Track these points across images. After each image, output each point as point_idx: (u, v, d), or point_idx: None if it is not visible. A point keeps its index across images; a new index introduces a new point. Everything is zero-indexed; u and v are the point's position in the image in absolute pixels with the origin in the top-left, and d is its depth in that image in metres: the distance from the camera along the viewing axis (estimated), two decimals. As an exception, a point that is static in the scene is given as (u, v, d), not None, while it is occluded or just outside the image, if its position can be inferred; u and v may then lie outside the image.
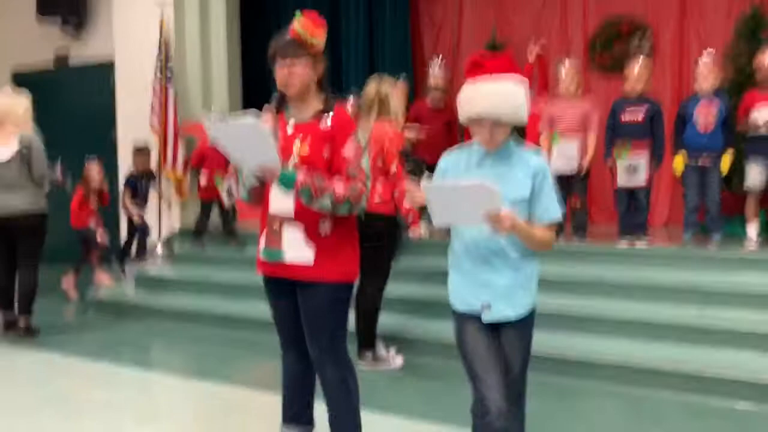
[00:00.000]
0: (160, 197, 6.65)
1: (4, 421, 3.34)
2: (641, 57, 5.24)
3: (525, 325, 2.23)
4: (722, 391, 3.46)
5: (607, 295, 4.40)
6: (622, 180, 5.03)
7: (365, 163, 2.46)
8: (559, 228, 4.81)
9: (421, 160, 5.27)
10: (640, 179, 4.97)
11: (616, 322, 4.12)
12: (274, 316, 2.65)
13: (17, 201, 4.75)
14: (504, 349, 2.20)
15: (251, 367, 4.30)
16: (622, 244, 4.96)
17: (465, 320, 2.22)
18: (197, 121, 6.76)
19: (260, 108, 2.57)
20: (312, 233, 2.43)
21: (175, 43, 6.82)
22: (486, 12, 7.47)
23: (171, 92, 6.68)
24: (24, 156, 4.74)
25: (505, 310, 2.17)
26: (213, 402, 3.59)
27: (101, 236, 6.28)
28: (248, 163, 2.35)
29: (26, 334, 4.86)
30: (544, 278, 2.27)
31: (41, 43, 8.07)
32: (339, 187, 2.36)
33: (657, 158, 5.01)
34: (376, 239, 3.85)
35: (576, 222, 5.21)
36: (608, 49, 6.89)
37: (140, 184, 6.53)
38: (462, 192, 1.98)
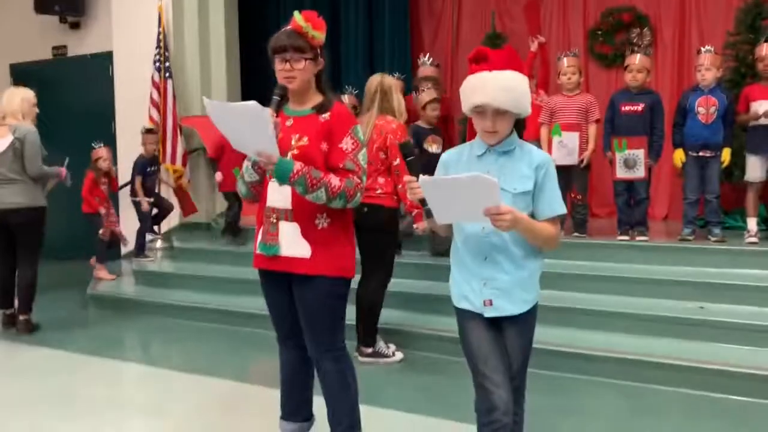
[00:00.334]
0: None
1: (4, 417, 3.34)
2: (642, 48, 5.22)
3: (527, 321, 2.20)
4: (722, 384, 3.46)
5: (607, 289, 4.40)
6: (621, 171, 5.02)
7: (362, 157, 2.45)
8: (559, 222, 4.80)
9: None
10: (639, 171, 4.96)
11: (615, 315, 4.11)
12: (270, 310, 2.65)
13: (12, 195, 4.66)
14: (505, 345, 2.18)
15: (251, 361, 4.30)
16: (622, 238, 4.96)
17: (467, 318, 2.19)
18: (196, 115, 6.77)
19: (260, 102, 2.56)
20: (309, 228, 2.42)
21: (173, 36, 6.81)
22: (485, 2, 7.46)
23: (170, 86, 6.67)
24: (17, 150, 4.64)
25: (506, 306, 2.14)
26: (213, 397, 3.58)
27: (113, 222, 6.18)
28: (246, 146, 2.34)
29: (26, 329, 4.84)
30: (543, 271, 2.25)
31: (39, 39, 8.03)
32: (335, 179, 2.36)
33: (656, 150, 4.99)
34: (377, 230, 3.84)
35: (576, 215, 5.21)
36: (609, 40, 6.86)
37: (149, 171, 6.37)
38: (459, 185, 1.92)
